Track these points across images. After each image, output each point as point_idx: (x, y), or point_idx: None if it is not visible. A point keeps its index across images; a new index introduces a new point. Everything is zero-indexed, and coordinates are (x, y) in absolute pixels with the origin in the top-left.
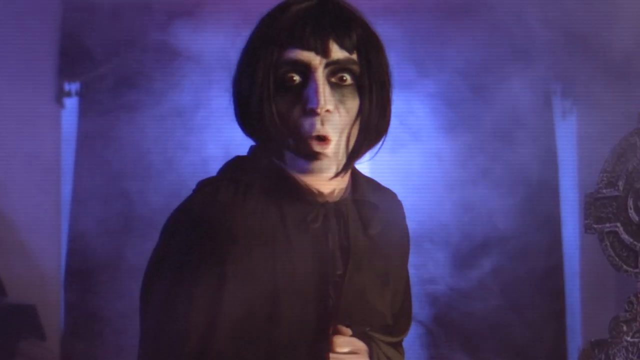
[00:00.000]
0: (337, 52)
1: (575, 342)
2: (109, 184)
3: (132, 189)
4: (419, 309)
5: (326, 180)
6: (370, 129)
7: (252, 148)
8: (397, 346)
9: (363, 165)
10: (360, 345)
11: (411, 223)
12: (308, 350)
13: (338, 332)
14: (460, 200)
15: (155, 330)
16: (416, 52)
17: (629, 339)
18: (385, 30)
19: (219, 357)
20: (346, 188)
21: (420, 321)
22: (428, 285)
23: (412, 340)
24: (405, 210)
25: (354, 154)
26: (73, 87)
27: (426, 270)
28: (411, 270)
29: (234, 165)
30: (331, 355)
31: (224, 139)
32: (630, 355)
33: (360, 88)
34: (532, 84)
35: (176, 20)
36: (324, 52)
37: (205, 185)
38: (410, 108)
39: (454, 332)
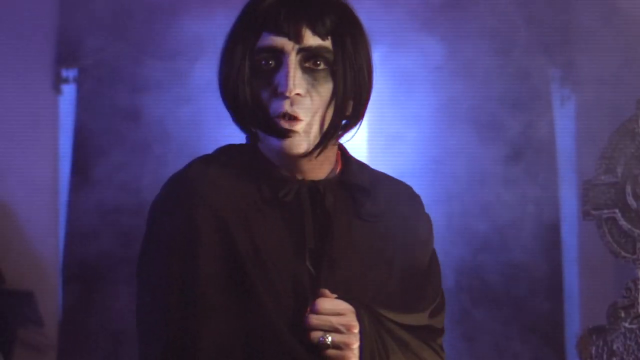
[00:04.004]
0: (310, 39)
1: (573, 328)
2: (107, 170)
3: (130, 176)
4: None
5: (301, 159)
6: (344, 111)
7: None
8: (422, 334)
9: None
10: (344, 306)
11: None
12: (289, 315)
13: (322, 296)
14: (456, 188)
15: (144, 305)
16: (411, 39)
17: (627, 325)
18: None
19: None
20: (331, 170)
21: None
22: None
23: None
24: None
25: (327, 135)
26: (71, 73)
27: None
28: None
29: (224, 150)
30: (312, 315)
31: (229, 128)
32: (628, 342)
33: (333, 72)
34: (530, 71)
35: (177, 7)
36: (297, 38)
37: (193, 164)
38: (405, 95)
39: (447, 322)
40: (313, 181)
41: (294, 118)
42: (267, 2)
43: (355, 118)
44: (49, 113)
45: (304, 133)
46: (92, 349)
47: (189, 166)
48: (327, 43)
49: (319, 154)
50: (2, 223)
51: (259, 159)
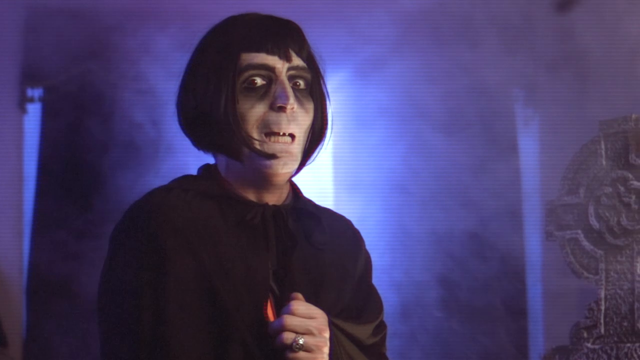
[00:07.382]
0: (296, 59)
1: (537, 348)
2: (71, 189)
3: (96, 196)
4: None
5: (274, 182)
6: (317, 130)
7: (200, 169)
8: (371, 355)
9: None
10: (317, 310)
11: (373, 227)
12: (257, 332)
13: (295, 299)
14: (421, 205)
15: (110, 331)
16: (374, 63)
17: (589, 345)
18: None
19: (171, 344)
20: (287, 196)
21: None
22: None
23: None
24: (370, 218)
25: (312, 153)
26: (36, 92)
27: (389, 276)
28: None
29: (181, 179)
30: (287, 316)
31: (189, 146)
32: None
33: (311, 92)
34: (494, 92)
35: (140, 24)
36: (287, 57)
37: (154, 191)
38: (368, 119)
39: (414, 341)
40: (275, 205)
41: (291, 136)
42: (246, 24)
43: (321, 137)
44: (13, 132)
45: (296, 153)
46: None
47: (150, 194)
48: (305, 64)
49: (298, 172)
50: None
51: (220, 184)
